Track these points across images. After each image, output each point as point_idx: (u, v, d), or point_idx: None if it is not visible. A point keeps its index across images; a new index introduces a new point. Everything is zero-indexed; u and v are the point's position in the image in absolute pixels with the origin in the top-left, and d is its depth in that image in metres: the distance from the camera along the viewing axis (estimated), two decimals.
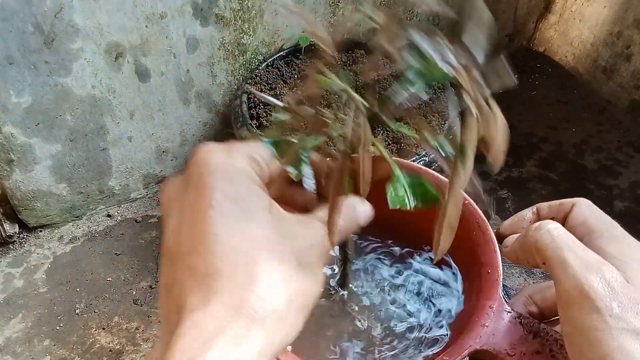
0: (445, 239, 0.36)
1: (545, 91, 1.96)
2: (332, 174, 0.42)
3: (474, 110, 0.34)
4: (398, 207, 0.39)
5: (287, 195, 0.42)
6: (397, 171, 0.40)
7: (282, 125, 0.37)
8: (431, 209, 0.53)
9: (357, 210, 0.40)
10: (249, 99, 1.37)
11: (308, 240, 0.36)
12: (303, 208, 0.42)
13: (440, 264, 0.53)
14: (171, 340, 0.30)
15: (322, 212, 0.39)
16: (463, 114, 0.34)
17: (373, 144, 0.38)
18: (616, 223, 0.42)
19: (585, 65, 1.93)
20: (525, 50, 2.09)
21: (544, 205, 0.48)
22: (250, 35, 1.45)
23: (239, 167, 0.35)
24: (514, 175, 1.67)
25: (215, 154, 0.35)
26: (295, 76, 1.43)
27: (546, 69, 2.04)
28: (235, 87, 1.51)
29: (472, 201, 0.49)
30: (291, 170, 0.39)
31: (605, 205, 1.58)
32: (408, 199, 0.39)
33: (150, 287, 1.39)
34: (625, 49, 1.76)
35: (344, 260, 0.48)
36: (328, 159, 0.42)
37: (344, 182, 0.41)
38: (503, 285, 1.29)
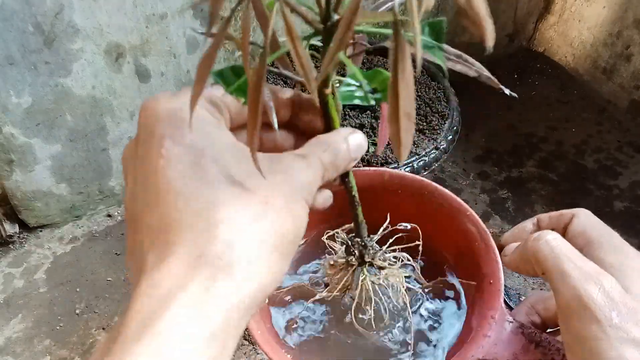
0: (405, 131, 0.29)
1: (545, 91, 1.96)
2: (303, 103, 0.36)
3: None
4: (349, 102, 0.35)
5: (268, 141, 0.39)
6: (352, 67, 0.34)
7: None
8: (430, 216, 0.53)
9: (348, 141, 0.36)
10: None
11: (279, 176, 0.32)
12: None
13: (441, 289, 0.54)
14: (126, 310, 0.27)
15: (303, 149, 0.35)
16: None
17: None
18: (615, 233, 0.43)
19: (585, 66, 1.93)
20: (525, 50, 2.09)
21: (544, 216, 0.48)
22: (250, 35, 1.44)
23: (189, 111, 0.31)
24: (514, 175, 1.67)
25: (162, 101, 0.32)
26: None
27: (546, 69, 2.04)
28: None
29: (473, 213, 0.49)
30: (241, 98, 0.35)
31: (605, 205, 1.58)
32: (363, 93, 0.35)
33: None
34: (625, 49, 1.76)
35: (352, 204, 0.43)
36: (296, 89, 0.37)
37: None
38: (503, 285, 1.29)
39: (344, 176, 0.40)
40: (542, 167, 1.70)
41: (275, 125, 0.34)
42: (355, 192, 0.42)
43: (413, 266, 0.52)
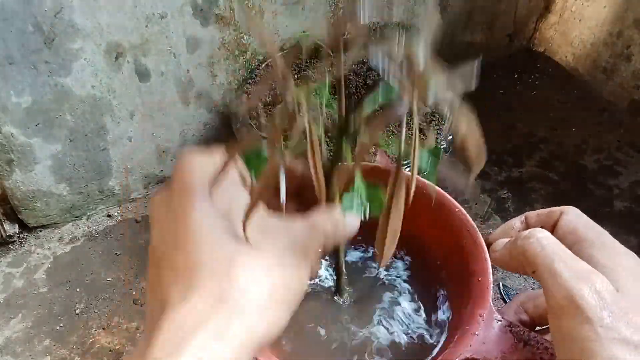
0: (389, 247, 0.36)
1: (545, 91, 1.96)
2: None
3: (415, 119, 0.34)
4: (348, 210, 0.40)
5: (274, 205, 0.43)
6: (358, 182, 0.41)
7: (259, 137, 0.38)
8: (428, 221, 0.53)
9: (345, 219, 0.40)
10: (249, 99, 1.37)
11: (290, 238, 0.36)
12: None
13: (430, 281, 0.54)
14: (152, 336, 0.30)
15: (311, 219, 0.39)
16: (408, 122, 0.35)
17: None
18: (606, 231, 0.42)
19: (585, 66, 1.92)
20: (525, 50, 2.09)
21: (532, 214, 0.48)
22: (249, 35, 1.45)
23: (220, 171, 0.36)
24: (514, 175, 1.67)
25: (198, 159, 0.37)
26: (295, 76, 1.43)
27: (546, 69, 2.03)
28: (235, 87, 1.51)
29: (462, 209, 0.49)
30: (257, 180, 0.40)
31: (605, 205, 1.58)
32: (361, 212, 0.40)
33: None
34: (625, 49, 1.76)
35: (337, 270, 0.49)
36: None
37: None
38: (503, 285, 1.29)
39: (336, 249, 0.47)
40: (542, 167, 1.69)
41: (283, 201, 0.39)
42: (342, 263, 0.48)
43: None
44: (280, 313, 0.34)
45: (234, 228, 0.34)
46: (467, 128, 0.35)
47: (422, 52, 0.33)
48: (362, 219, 0.40)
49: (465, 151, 0.35)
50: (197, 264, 0.32)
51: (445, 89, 0.34)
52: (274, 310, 0.33)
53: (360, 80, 1.31)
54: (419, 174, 0.35)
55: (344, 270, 0.49)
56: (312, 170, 0.37)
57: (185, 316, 0.31)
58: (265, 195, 0.40)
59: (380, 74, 0.35)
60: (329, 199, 0.43)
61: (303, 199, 0.44)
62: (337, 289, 0.51)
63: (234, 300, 0.31)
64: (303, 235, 0.37)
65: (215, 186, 0.35)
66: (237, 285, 0.32)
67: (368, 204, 0.40)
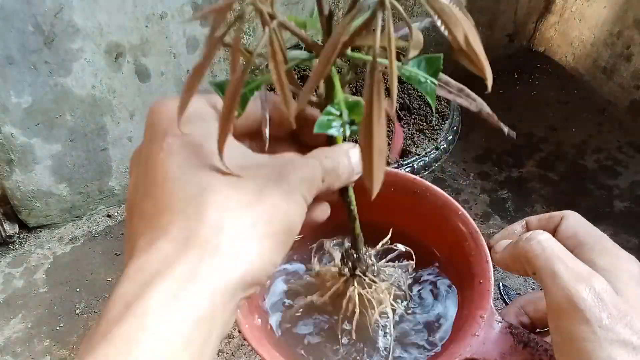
0: (378, 168, 0.28)
1: (545, 91, 1.96)
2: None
3: None
4: (323, 131, 0.33)
5: (274, 151, 0.37)
6: (340, 95, 0.34)
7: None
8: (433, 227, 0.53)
9: (349, 154, 0.36)
10: None
11: (275, 170, 0.32)
12: None
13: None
14: (114, 287, 0.27)
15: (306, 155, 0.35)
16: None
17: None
18: (606, 236, 0.43)
19: (585, 65, 1.93)
20: (525, 50, 2.09)
21: (533, 219, 0.48)
22: (250, 35, 1.45)
23: (192, 111, 0.32)
24: (514, 175, 1.67)
25: (167, 103, 0.33)
26: (296, 76, 1.43)
27: (546, 69, 2.03)
28: None
29: (465, 212, 0.50)
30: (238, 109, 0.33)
31: (605, 205, 1.58)
32: (342, 124, 0.33)
33: None
34: (625, 49, 1.76)
35: (350, 218, 0.44)
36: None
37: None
38: (503, 284, 1.29)
39: (344, 190, 0.41)
40: (542, 167, 1.70)
41: (266, 136, 0.35)
42: (353, 207, 0.42)
43: (407, 268, 0.52)
44: (266, 250, 0.30)
45: (206, 163, 0.30)
46: (465, 23, 0.28)
47: None
48: (344, 135, 0.33)
49: (467, 51, 0.28)
50: (166, 206, 0.29)
51: None
52: (257, 247, 0.29)
53: None
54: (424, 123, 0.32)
55: (354, 217, 0.43)
56: (275, 78, 0.29)
57: (148, 263, 0.27)
58: (245, 127, 0.35)
59: None
60: (330, 138, 0.37)
61: (303, 143, 0.39)
62: (354, 246, 0.46)
63: (205, 241, 0.28)
64: (294, 166, 0.32)
65: (185, 125, 0.31)
66: (207, 224, 0.28)
67: (347, 111, 0.34)
